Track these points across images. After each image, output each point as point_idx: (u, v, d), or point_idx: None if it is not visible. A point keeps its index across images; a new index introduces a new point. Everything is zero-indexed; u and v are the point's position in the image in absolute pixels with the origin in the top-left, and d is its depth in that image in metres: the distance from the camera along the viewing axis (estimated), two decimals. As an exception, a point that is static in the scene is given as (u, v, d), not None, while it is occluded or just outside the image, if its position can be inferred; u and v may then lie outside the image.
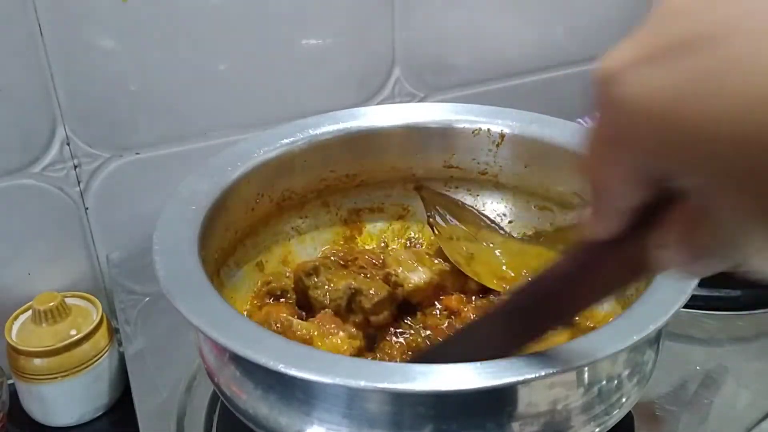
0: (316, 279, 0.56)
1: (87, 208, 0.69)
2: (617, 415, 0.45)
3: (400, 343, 0.55)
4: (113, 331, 0.66)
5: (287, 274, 0.59)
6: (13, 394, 0.65)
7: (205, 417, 0.55)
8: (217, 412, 0.55)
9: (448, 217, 0.63)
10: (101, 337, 0.64)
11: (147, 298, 0.66)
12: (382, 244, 0.65)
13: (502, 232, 0.62)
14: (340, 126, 0.61)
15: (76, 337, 0.62)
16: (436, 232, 0.62)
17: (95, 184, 0.69)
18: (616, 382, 0.45)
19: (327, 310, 0.54)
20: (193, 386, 0.57)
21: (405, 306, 0.57)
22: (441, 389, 0.38)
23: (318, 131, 0.60)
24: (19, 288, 0.68)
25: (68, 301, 0.65)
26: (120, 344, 0.66)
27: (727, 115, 0.21)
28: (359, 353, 0.51)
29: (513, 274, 0.57)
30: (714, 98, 0.21)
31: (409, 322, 0.56)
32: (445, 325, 0.55)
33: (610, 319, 0.48)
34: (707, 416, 0.54)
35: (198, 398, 0.56)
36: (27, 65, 0.62)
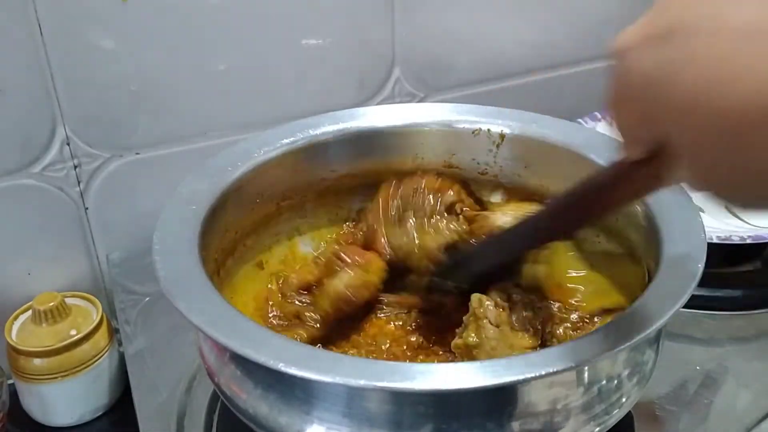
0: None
1: (87, 208, 0.69)
2: (617, 415, 0.45)
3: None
4: (113, 331, 0.66)
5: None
6: (13, 394, 0.65)
7: (205, 417, 0.55)
8: (217, 412, 0.55)
9: None
10: (101, 337, 0.64)
11: (147, 298, 0.66)
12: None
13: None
14: (340, 126, 0.61)
15: (76, 337, 0.62)
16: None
17: (95, 184, 0.69)
18: (616, 381, 0.45)
19: None
20: (193, 386, 0.57)
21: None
22: (441, 389, 0.38)
23: (318, 131, 0.60)
24: (19, 288, 0.68)
25: (68, 301, 0.65)
26: (120, 344, 0.66)
27: (689, 93, 0.29)
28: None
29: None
30: (680, 79, 0.30)
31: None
32: None
33: (610, 319, 0.48)
34: (707, 416, 0.54)
35: (198, 398, 0.56)
36: (27, 65, 0.62)
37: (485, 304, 0.49)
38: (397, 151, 0.63)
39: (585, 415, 0.43)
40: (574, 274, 0.58)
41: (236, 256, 0.58)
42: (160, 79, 0.67)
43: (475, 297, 0.50)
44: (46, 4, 0.61)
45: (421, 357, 0.54)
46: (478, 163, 0.63)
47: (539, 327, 0.50)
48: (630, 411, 0.47)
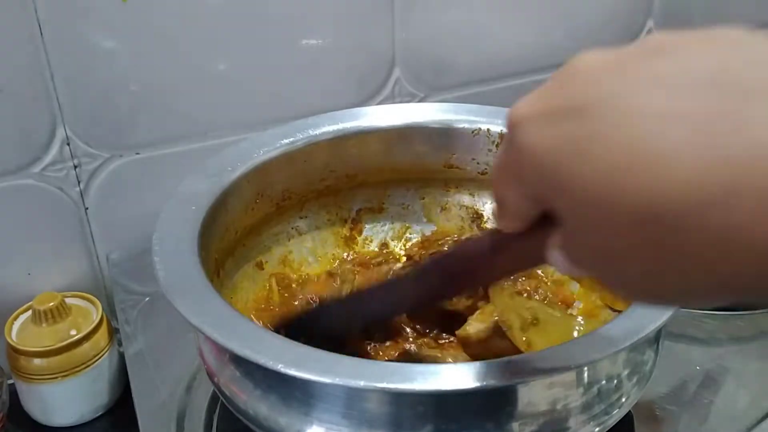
0: None
1: (87, 208, 0.69)
2: (617, 415, 0.45)
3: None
4: (113, 331, 0.66)
5: None
6: (13, 394, 0.64)
7: (205, 417, 0.55)
8: (217, 412, 0.55)
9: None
10: (101, 337, 0.64)
11: (147, 298, 0.66)
12: (383, 245, 0.65)
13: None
14: (340, 126, 0.61)
15: (76, 337, 0.62)
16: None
17: (95, 184, 0.69)
18: (615, 381, 0.45)
19: None
20: (193, 386, 0.57)
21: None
22: (441, 389, 0.38)
23: (318, 131, 0.60)
24: (19, 288, 0.68)
25: (68, 301, 0.64)
26: (120, 344, 0.66)
27: (586, 176, 0.26)
28: None
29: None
30: (578, 161, 0.26)
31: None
32: None
33: (610, 319, 0.48)
34: (707, 416, 0.54)
35: (198, 398, 0.56)
36: (27, 65, 0.62)
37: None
38: (397, 151, 0.63)
39: (585, 415, 0.43)
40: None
41: (236, 256, 0.58)
42: (160, 79, 0.67)
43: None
44: (46, 4, 0.61)
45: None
46: (478, 163, 0.63)
47: None
48: (630, 411, 0.47)
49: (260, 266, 0.60)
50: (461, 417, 0.41)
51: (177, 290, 0.44)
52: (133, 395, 0.57)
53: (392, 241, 0.65)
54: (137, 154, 0.69)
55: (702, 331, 0.62)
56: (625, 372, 0.45)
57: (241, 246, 0.58)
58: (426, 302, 0.47)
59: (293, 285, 0.60)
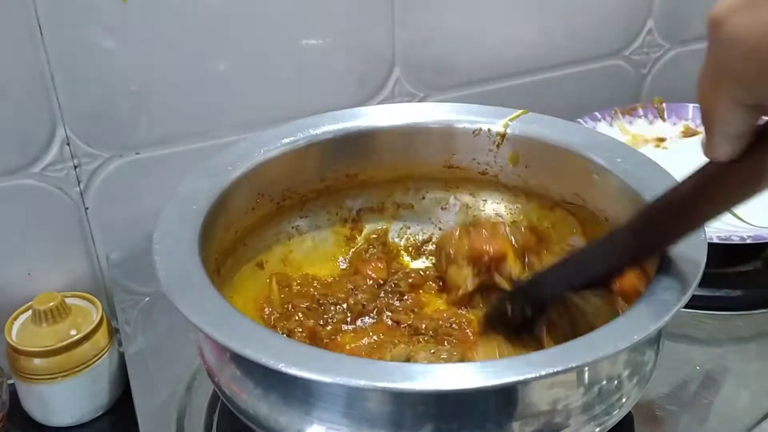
0: None
1: (87, 208, 0.69)
2: (617, 415, 0.45)
3: None
4: (113, 331, 0.66)
5: None
6: (13, 394, 0.64)
7: (205, 417, 0.55)
8: (217, 412, 0.55)
9: None
10: (101, 337, 0.64)
11: (147, 298, 0.66)
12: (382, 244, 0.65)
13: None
14: (340, 126, 0.61)
15: (76, 337, 0.62)
16: None
17: (95, 184, 0.69)
18: (616, 382, 0.45)
19: None
20: (193, 386, 0.57)
21: None
22: (441, 389, 0.38)
23: (318, 131, 0.60)
24: (19, 288, 0.68)
25: (68, 301, 0.65)
26: (120, 344, 0.66)
27: None
28: None
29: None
30: None
31: None
32: None
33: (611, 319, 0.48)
34: (707, 416, 0.54)
35: (198, 398, 0.56)
36: (27, 65, 0.62)
37: None
38: (397, 151, 0.63)
39: (585, 415, 0.43)
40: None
41: (236, 256, 0.58)
42: (160, 79, 0.67)
43: None
44: (46, 4, 0.61)
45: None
46: (478, 163, 0.63)
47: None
48: (630, 411, 0.47)
49: (260, 266, 0.60)
50: (461, 417, 0.41)
51: (177, 290, 0.44)
52: (133, 395, 0.57)
53: (392, 240, 0.65)
54: (137, 154, 0.69)
55: (702, 331, 0.62)
56: (626, 372, 0.45)
57: (242, 246, 0.58)
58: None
59: (293, 285, 0.60)
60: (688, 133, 0.82)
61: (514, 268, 0.57)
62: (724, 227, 0.67)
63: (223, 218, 0.54)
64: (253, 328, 0.43)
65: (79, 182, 0.68)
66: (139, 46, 0.65)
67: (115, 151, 0.68)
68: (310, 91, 0.73)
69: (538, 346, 0.51)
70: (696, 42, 0.89)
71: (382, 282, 0.61)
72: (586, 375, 0.43)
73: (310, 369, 0.39)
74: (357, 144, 0.62)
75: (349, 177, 0.63)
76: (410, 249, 0.65)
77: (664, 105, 0.84)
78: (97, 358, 0.63)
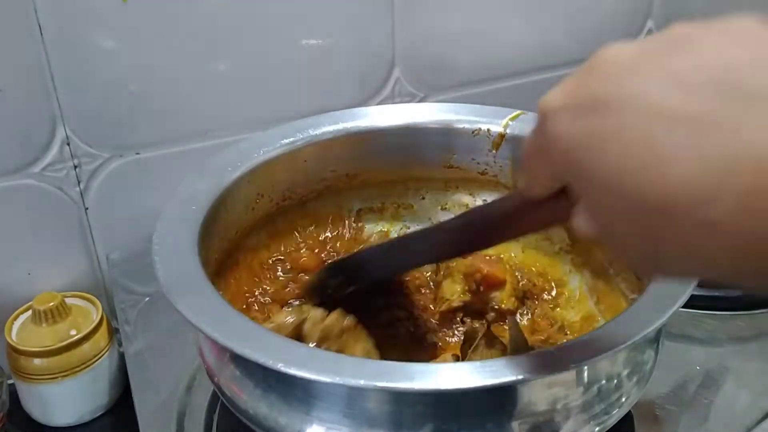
0: None
1: (87, 208, 0.69)
2: (617, 415, 0.45)
3: None
4: (113, 331, 0.66)
5: None
6: (13, 394, 0.64)
7: (205, 417, 0.55)
8: (217, 412, 0.55)
9: None
10: (101, 337, 0.64)
11: (147, 298, 0.66)
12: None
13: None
14: (340, 126, 0.61)
15: (76, 337, 0.62)
16: None
17: (95, 184, 0.69)
18: (615, 381, 0.45)
19: None
20: (193, 386, 0.57)
21: None
22: (441, 389, 0.38)
23: (318, 131, 0.60)
24: (19, 288, 0.68)
25: (68, 301, 0.65)
26: (120, 344, 0.66)
27: (603, 170, 0.29)
28: None
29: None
30: (598, 155, 0.29)
31: None
32: None
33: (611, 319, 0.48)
34: (707, 416, 0.54)
35: (198, 398, 0.56)
36: (27, 65, 0.62)
37: None
38: (397, 151, 0.63)
39: (585, 414, 0.43)
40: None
41: (236, 256, 0.58)
42: (160, 79, 0.67)
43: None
44: (46, 4, 0.61)
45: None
46: (478, 163, 0.63)
47: None
48: (630, 411, 0.47)
49: (260, 266, 0.60)
50: (461, 417, 0.41)
51: (177, 290, 0.44)
52: (133, 395, 0.57)
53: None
54: (137, 154, 0.69)
55: (702, 331, 0.62)
56: (625, 372, 0.45)
57: (241, 246, 0.58)
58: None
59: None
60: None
61: (506, 301, 0.57)
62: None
63: (223, 218, 0.54)
64: (253, 328, 0.43)
65: (79, 182, 0.68)
66: (139, 46, 0.65)
67: (115, 151, 0.68)
68: (310, 91, 0.73)
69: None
70: (696, 42, 0.89)
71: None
72: (586, 374, 0.43)
73: (310, 369, 0.39)
74: (357, 144, 0.62)
75: (349, 177, 0.63)
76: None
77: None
78: (97, 358, 0.63)
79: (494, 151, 0.61)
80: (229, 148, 0.58)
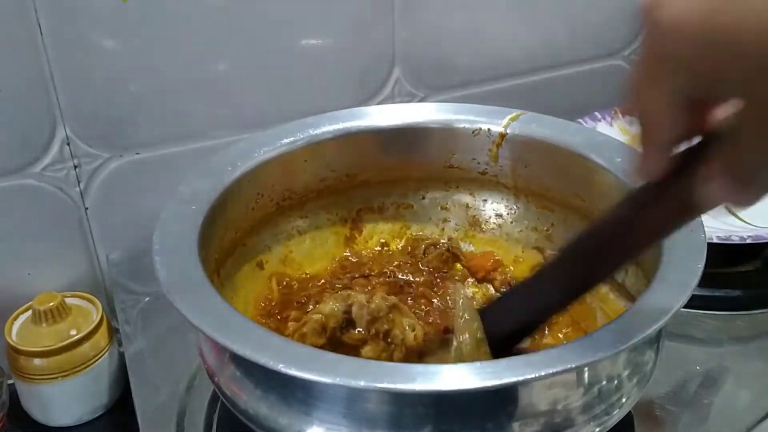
0: None
1: (87, 208, 0.69)
2: (617, 415, 0.45)
3: None
4: (113, 331, 0.66)
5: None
6: (13, 394, 0.64)
7: (205, 417, 0.55)
8: (217, 412, 0.55)
9: None
10: (101, 337, 0.64)
11: (147, 298, 0.66)
12: (382, 243, 0.65)
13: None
14: (340, 126, 0.61)
15: (76, 337, 0.62)
16: None
17: (95, 184, 0.69)
18: (616, 382, 0.45)
19: None
20: (193, 386, 0.57)
21: None
22: (441, 389, 0.38)
23: (318, 131, 0.60)
24: (19, 288, 0.68)
25: (68, 301, 0.65)
26: (120, 344, 0.66)
27: (750, 25, 0.23)
28: None
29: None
30: (738, 12, 0.24)
31: None
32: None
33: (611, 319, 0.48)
34: (707, 416, 0.54)
35: (198, 398, 0.56)
36: (27, 65, 0.62)
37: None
38: (397, 151, 0.63)
39: (585, 415, 0.43)
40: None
41: (236, 256, 0.58)
42: (160, 79, 0.67)
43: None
44: (46, 4, 0.61)
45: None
46: (478, 163, 0.63)
47: None
48: (630, 411, 0.47)
49: (260, 266, 0.60)
50: (461, 417, 0.41)
51: (177, 290, 0.44)
52: (133, 395, 0.57)
53: (392, 241, 0.65)
54: (137, 154, 0.69)
55: (702, 331, 0.62)
56: (626, 372, 0.45)
57: (241, 246, 0.58)
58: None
59: (293, 285, 0.60)
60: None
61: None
62: (724, 227, 0.67)
63: (223, 218, 0.54)
64: (253, 328, 0.43)
65: (79, 182, 0.68)
66: (139, 46, 0.65)
67: (115, 151, 0.68)
68: (310, 91, 0.73)
69: None
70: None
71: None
72: (586, 375, 0.43)
73: (310, 369, 0.39)
74: (357, 144, 0.62)
75: (349, 177, 0.63)
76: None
77: (664, 105, 0.84)
78: (97, 358, 0.63)
79: (495, 151, 0.61)
80: (229, 148, 0.58)
